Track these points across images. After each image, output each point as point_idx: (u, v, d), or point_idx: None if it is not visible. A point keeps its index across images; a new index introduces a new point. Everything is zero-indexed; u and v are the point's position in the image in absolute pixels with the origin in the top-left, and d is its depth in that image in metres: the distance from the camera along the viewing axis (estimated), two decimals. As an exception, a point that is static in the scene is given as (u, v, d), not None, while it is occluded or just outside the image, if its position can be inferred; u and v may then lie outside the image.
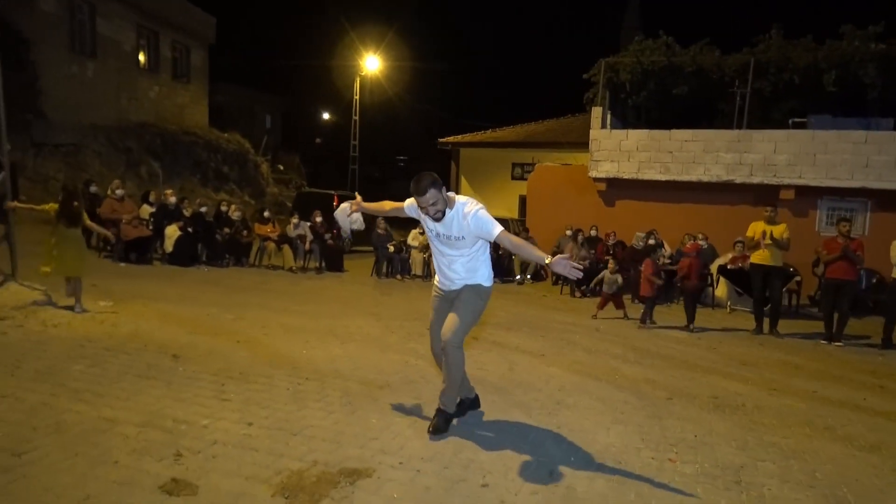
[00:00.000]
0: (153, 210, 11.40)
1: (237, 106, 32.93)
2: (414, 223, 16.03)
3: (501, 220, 13.71)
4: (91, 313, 6.48)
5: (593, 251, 12.63)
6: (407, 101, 40.65)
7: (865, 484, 3.70)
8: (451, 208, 3.80)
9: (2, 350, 5.04)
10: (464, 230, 3.79)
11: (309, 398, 4.53)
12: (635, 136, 13.17)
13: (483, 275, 3.99)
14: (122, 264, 10.11)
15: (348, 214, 4.39)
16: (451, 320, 3.86)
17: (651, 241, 12.43)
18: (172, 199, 11.51)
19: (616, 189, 13.73)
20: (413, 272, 13.26)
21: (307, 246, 12.60)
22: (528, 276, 13.62)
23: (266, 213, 13.28)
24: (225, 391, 4.54)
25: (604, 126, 13.48)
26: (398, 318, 8.08)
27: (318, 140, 45.63)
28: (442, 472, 3.47)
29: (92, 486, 3.05)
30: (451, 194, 3.84)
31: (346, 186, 28.97)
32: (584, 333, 7.93)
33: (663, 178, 12.95)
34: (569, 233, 12.92)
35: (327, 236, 13.10)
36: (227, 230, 12.00)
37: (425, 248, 13.38)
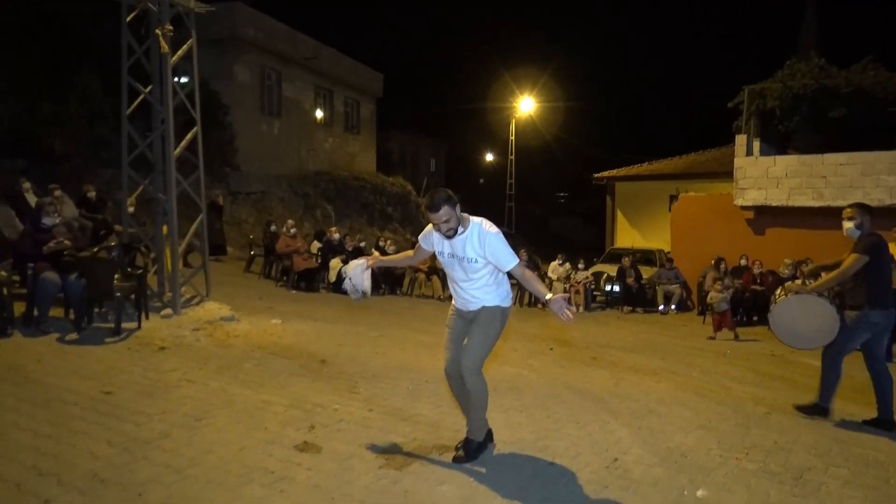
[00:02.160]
0: (320, 245, 13.04)
1: (404, 151, 35.65)
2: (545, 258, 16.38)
3: (647, 252, 13.85)
4: (262, 327, 7.83)
5: (739, 280, 12.34)
6: (563, 139, 41.27)
7: (943, 493, 3.72)
8: (466, 228, 3.68)
9: (196, 351, 6.40)
10: (477, 252, 3.67)
11: (423, 395, 5.32)
12: (784, 162, 12.77)
13: (500, 294, 3.84)
14: (294, 291, 11.72)
15: (363, 271, 4.21)
16: (468, 346, 3.79)
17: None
18: (336, 236, 13.09)
19: (765, 217, 13.31)
20: (554, 302, 13.74)
21: (454, 277, 13.58)
22: (673, 307, 13.56)
23: (418, 248, 14.53)
24: (357, 387, 5.46)
25: (749, 153, 13.21)
26: (525, 339, 8.70)
27: (481, 180, 47.63)
28: (518, 454, 4.07)
29: (246, 442, 4.04)
30: (465, 215, 3.71)
31: (504, 224, 30.13)
32: (708, 357, 8.00)
33: (816, 204, 12.39)
34: (713, 262, 12.75)
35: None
36: (383, 263, 13.35)
37: (566, 278, 13.87)
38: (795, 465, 4.01)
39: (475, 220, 3.71)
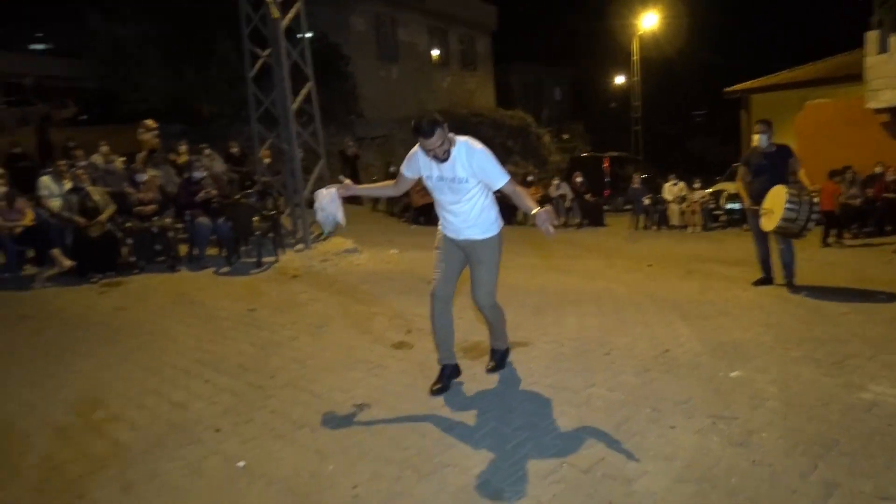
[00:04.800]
0: (437, 182, 13.91)
1: (526, 83, 35.40)
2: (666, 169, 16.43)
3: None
4: (381, 257, 8.83)
5: (869, 189, 11.68)
6: (691, 55, 38.72)
7: None
8: (454, 146, 3.56)
9: (323, 278, 7.50)
10: (467, 171, 3.56)
11: (507, 304, 5.93)
12: (923, 57, 11.69)
13: (490, 220, 3.77)
14: (413, 226, 12.74)
15: (333, 199, 3.83)
16: (477, 285, 3.87)
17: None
18: (451, 172, 13.88)
19: (903, 119, 12.34)
20: (671, 223, 13.75)
21: (567, 204, 13.97)
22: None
23: (529, 178, 15.00)
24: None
25: (884, 50, 12.19)
26: (626, 258, 9.06)
27: (612, 104, 46.14)
28: (579, 347, 4.68)
29: (355, 342, 4.98)
30: (451, 135, 3.57)
31: (630, 149, 29.42)
32: (813, 266, 7.96)
33: (962, 99, 11.32)
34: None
35: (587, 195, 14.34)
36: (497, 195, 14.03)
37: (682, 199, 13.77)
38: (842, 353, 4.28)
39: (461, 138, 3.61)
